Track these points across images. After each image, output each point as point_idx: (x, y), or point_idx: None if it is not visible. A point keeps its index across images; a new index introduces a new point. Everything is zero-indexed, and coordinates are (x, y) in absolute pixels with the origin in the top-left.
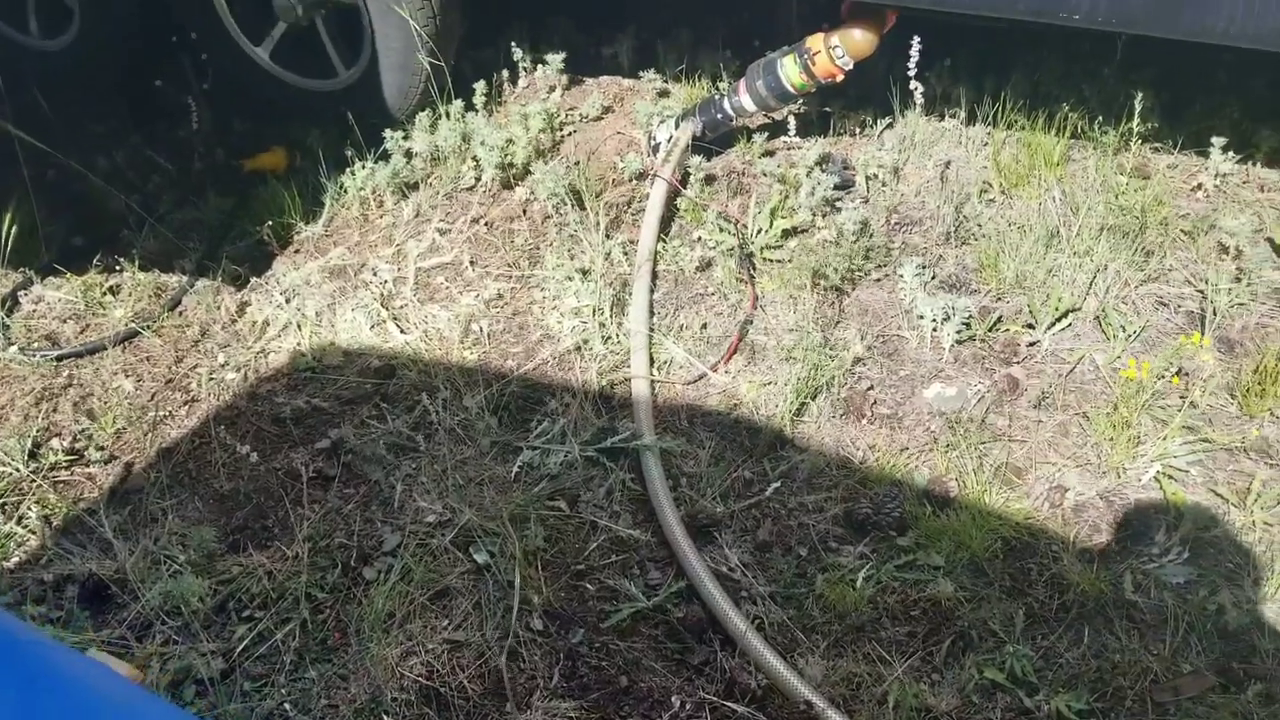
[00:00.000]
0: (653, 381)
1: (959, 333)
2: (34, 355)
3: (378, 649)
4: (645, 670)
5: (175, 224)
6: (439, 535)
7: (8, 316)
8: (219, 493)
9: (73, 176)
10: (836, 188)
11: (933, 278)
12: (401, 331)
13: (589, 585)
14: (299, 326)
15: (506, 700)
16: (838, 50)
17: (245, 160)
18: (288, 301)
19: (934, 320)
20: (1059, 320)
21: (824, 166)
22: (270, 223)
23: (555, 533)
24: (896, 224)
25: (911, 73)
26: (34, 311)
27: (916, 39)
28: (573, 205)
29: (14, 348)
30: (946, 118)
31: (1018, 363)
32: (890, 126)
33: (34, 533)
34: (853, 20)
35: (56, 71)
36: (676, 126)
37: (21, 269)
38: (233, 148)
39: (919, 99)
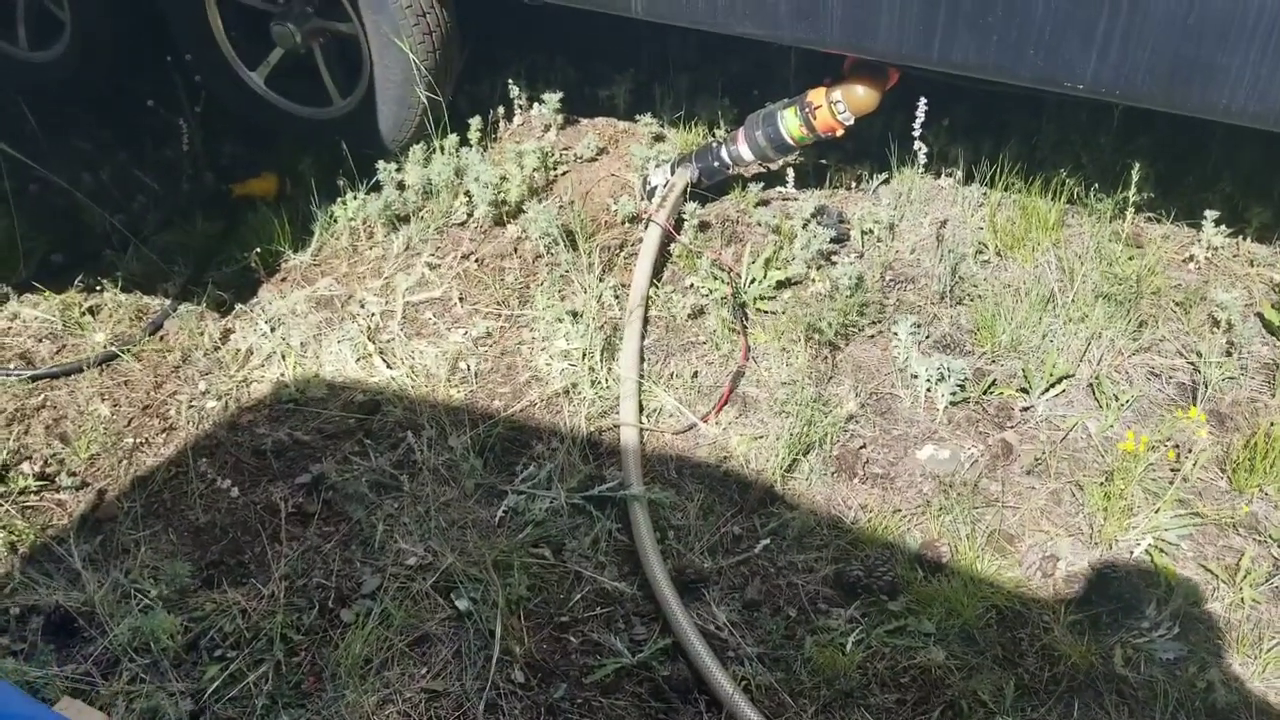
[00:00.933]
0: (642, 429)
1: (953, 394)
2: (7, 374)
3: (354, 696)
4: None
5: (160, 246)
6: (420, 579)
7: None
8: (194, 525)
9: (56, 192)
10: (832, 241)
11: (927, 337)
12: (388, 366)
13: (572, 638)
14: (283, 356)
15: None
16: (839, 105)
17: (235, 185)
18: (273, 330)
19: (928, 380)
20: (1053, 386)
21: (820, 219)
22: (258, 249)
23: (539, 581)
24: (891, 280)
25: (917, 132)
26: (9, 329)
27: (924, 99)
28: (565, 246)
29: None
30: (943, 176)
31: (1011, 427)
32: (886, 182)
33: None
34: (855, 76)
35: (44, 84)
36: (672, 172)
37: None
38: (223, 172)
39: (921, 157)
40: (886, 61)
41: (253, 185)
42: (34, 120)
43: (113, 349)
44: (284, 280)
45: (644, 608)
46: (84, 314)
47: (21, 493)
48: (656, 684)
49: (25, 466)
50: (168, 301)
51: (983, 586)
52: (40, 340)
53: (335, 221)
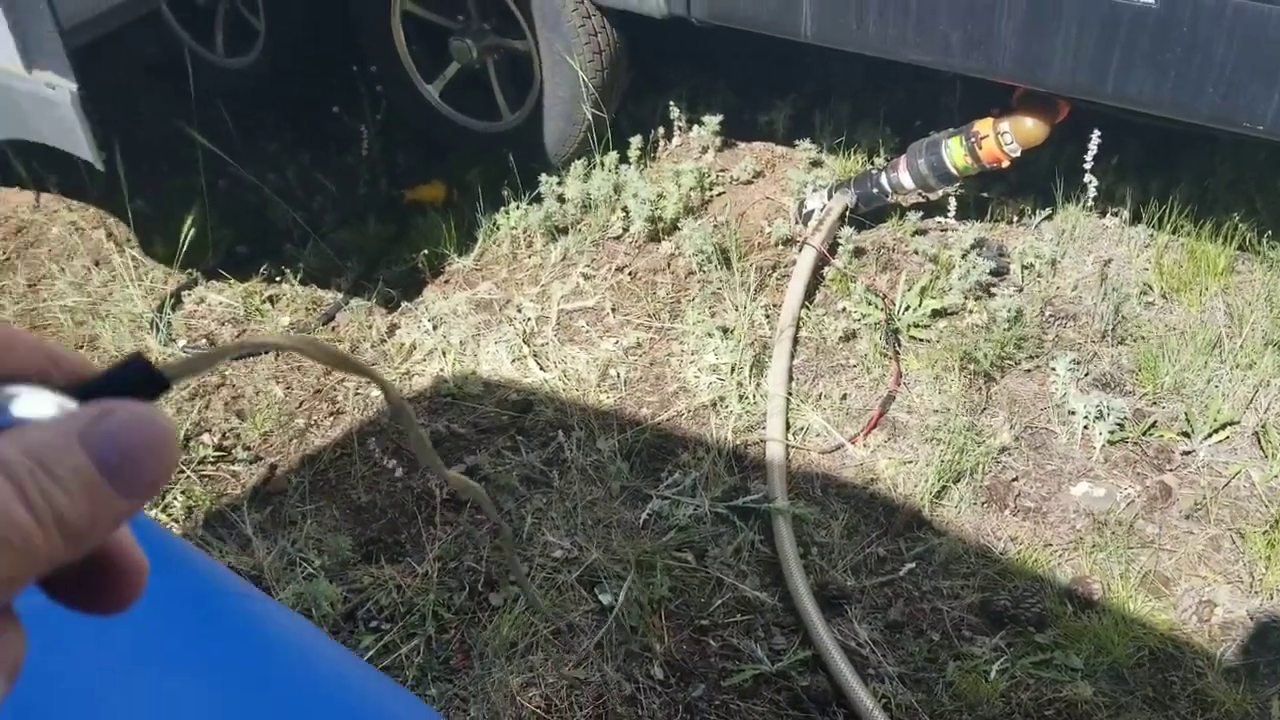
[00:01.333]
0: (788, 446)
1: (1111, 433)
2: (195, 352)
3: (500, 675)
4: None
5: (336, 244)
6: (565, 571)
7: (171, 314)
8: (356, 503)
9: (245, 188)
10: (991, 273)
11: (1086, 374)
12: (541, 369)
13: (712, 641)
14: (444, 353)
15: None
16: (1006, 137)
17: (407, 190)
18: (435, 328)
19: (1086, 417)
20: (1217, 431)
21: (980, 250)
22: (425, 252)
23: (680, 584)
24: (1051, 316)
25: (1088, 165)
26: (195, 311)
27: (1097, 132)
28: (718, 264)
29: (180, 343)
30: (1108, 215)
31: (1171, 470)
32: (1049, 218)
33: (177, 522)
34: (1025, 108)
35: (238, 88)
36: (830, 197)
37: (189, 270)
38: (396, 178)
39: (1091, 191)
40: (1058, 94)
41: (423, 192)
42: (230, 121)
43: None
44: (447, 282)
45: (784, 619)
46: (264, 302)
47: (201, 461)
48: (795, 694)
49: (205, 438)
50: (340, 295)
51: (1134, 626)
52: (223, 324)
53: (498, 229)
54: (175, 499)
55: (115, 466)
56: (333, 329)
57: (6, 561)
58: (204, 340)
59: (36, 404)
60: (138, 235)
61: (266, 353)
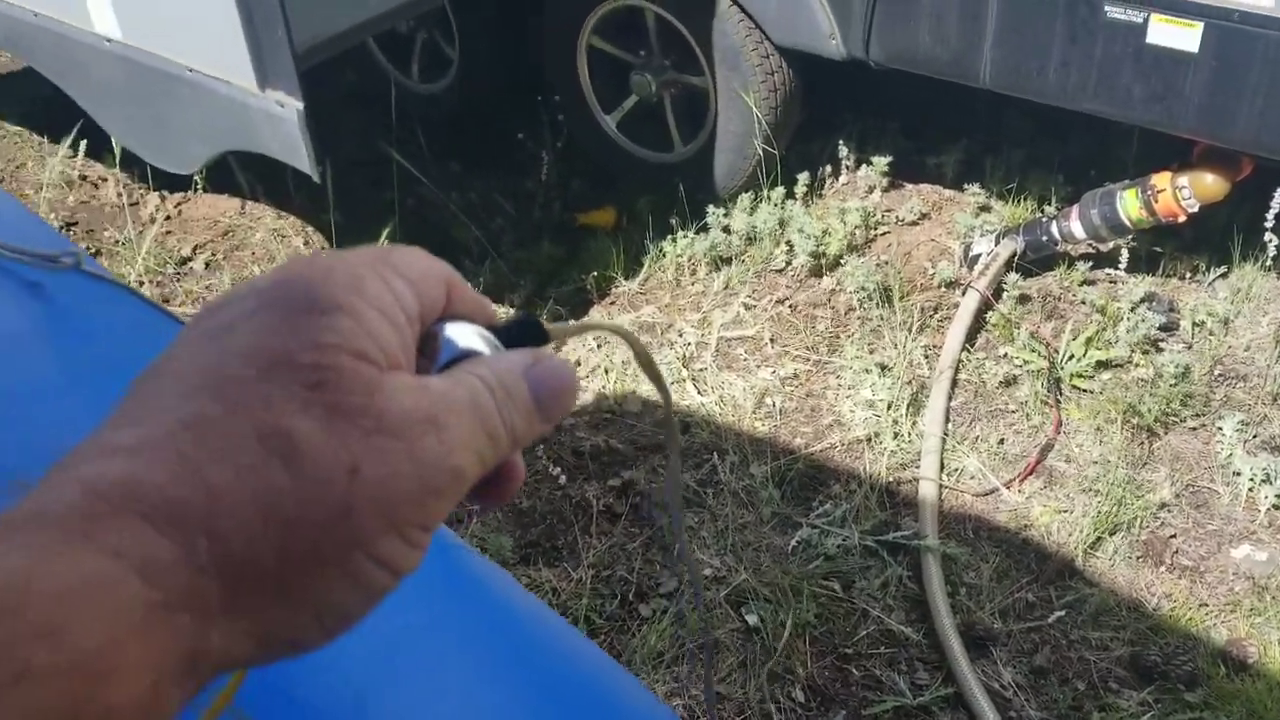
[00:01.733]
0: (942, 486)
1: (1278, 497)
2: (571, 323)
3: (646, 682)
4: None
5: (511, 262)
6: (714, 589)
7: None
8: (519, 507)
9: (431, 206)
10: (1159, 328)
11: (1254, 436)
12: (699, 392)
13: (854, 670)
14: (606, 371)
15: None
16: (1185, 191)
17: (580, 215)
18: (599, 347)
19: (1252, 479)
20: None
21: (1149, 304)
22: (594, 274)
23: (826, 612)
24: (1220, 375)
25: (1269, 225)
26: None
27: None
28: (879, 301)
29: None
30: None
31: None
32: (1224, 276)
33: None
34: (1205, 163)
35: (432, 113)
36: (997, 242)
37: None
38: (570, 202)
39: (1271, 251)
40: (1243, 151)
41: (595, 216)
42: (424, 144)
43: None
44: (612, 303)
45: (928, 655)
46: None
47: None
48: None
49: None
50: (513, 310)
51: None
52: None
53: (664, 256)
54: None
55: (544, 398)
56: None
57: (488, 455)
58: None
59: (473, 339)
60: (333, 245)
61: (626, 340)
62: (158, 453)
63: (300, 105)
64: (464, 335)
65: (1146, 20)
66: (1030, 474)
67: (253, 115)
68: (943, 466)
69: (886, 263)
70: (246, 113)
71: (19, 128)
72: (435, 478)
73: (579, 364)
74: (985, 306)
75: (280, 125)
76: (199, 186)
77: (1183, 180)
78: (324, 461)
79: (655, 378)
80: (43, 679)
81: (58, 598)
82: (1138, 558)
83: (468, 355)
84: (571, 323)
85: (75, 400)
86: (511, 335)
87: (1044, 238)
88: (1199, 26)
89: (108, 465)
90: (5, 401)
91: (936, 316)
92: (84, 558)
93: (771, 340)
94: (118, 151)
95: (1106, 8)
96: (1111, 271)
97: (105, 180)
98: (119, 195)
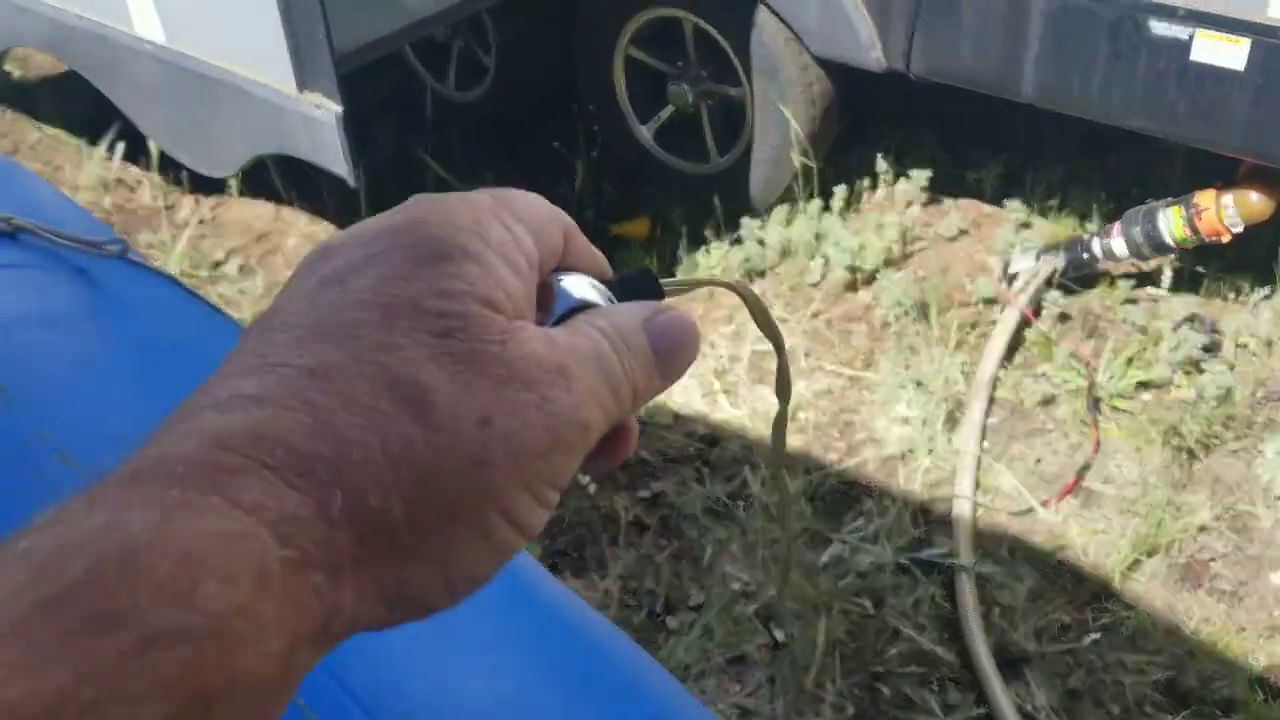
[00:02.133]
0: (977, 504)
1: None
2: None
3: None
4: None
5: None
6: (742, 603)
7: None
8: (555, 517)
9: None
10: (1202, 348)
11: None
12: (731, 405)
13: (884, 688)
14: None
15: None
16: (1229, 210)
17: (613, 225)
18: None
19: None
20: None
21: (1192, 324)
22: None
23: (857, 629)
24: (1263, 398)
25: None
26: None
27: None
28: (915, 317)
29: None
30: None
31: None
32: (1268, 297)
33: None
34: (1250, 182)
35: (464, 120)
36: (1037, 259)
37: None
38: (603, 211)
39: None
40: None
41: (628, 227)
42: (459, 150)
43: None
44: None
45: (960, 675)
46: None
47: None
48: None
49: None
50: None
51: None
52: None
53: (697, 267)
54: None
55: (664, 352)
56: None
57: (613, 408)
58: None
59: (588, 290)
60: None
61: (737, 292)
62: (284, 402)
63: (339, 109)
64: (579, 286)
65: (1191, 37)
66: (1068, 494)
67: (290, 118)
68: (978, 485)
69: (924, 278)
70: (285, 116)
71: (57, 130)
72: (565, 431)
73: None
74: (1024, 324)
75: (318, 129)
76: (233, 190)
77: (1227, 199)
78: (456, 411)
79: (771, 332)
80: (172, 645)
81: (187, 557)
82: (1176, 581)
83: (584, 307)
84: (686, 276)
85: (117, 378)
86: (626, 288)
87: (1085, 255)
88: (1245, 43)
89: (231, 416)
90: (51, 378)
91: (974, 333)
92: (214, 514)
93: (805, 354)
94: (155, 154)
95: (1151, 23)
96: (1153, 291)
97: (141, 183)
98: (154, 198)
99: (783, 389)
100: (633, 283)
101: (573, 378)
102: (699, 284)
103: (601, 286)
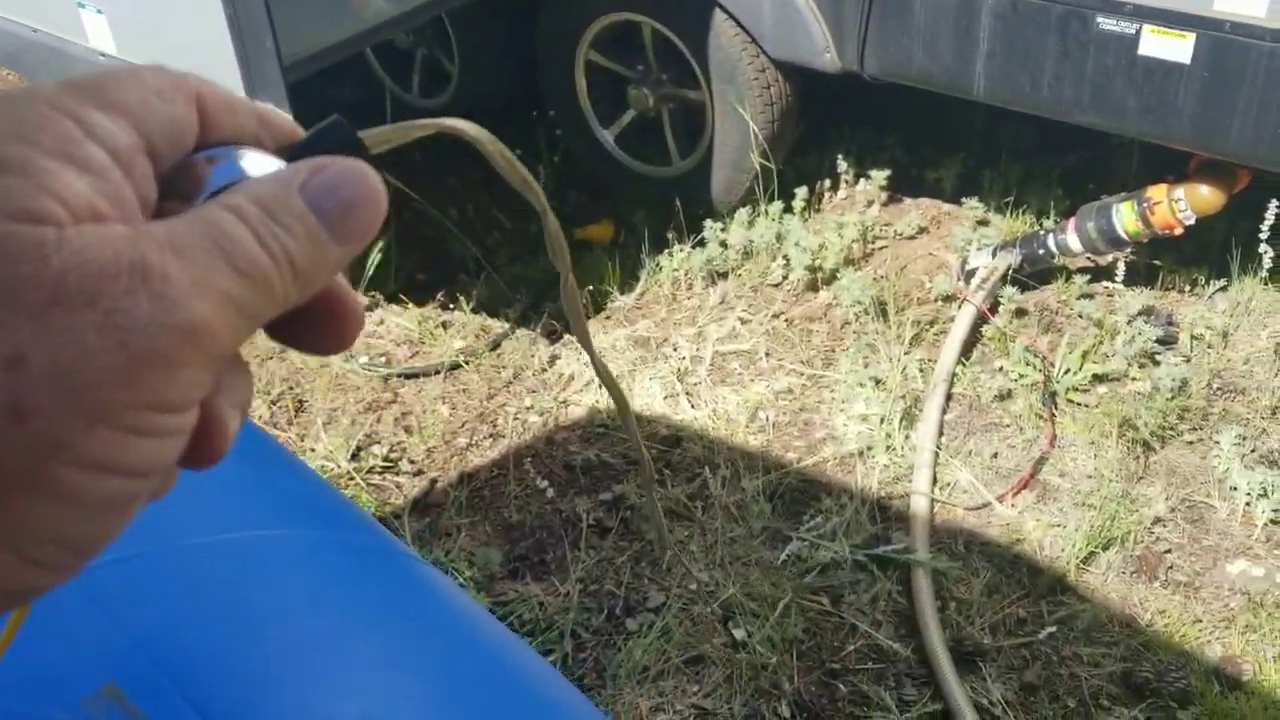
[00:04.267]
0: (933, 500)
1: (1275, 512)
2: (374, 369)
3: (630, 697)
4: None
5: (507, 276)
6: (701, 603)
7: None
8: (507, 521)
9: (426, 221)
10: (1157, 341)
11: (1252, 451)
12: (692, 406)
13: (841, 685)
14: (600, 385)
15: None
16: (1181, 204)
17: (577, 229)
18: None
19: (1249, 494)
20: None
21: (1147, 318)
22: (590, 288)
23: (814, 626)
24: (1218, 389)
25: (1264, 235)
26: (375, 331)
27: (1275, 203)
28: (875, 315)
29: (363, 359)
30: None
31: None
32: (1224, 289)
33: None
34: (1201, 175)
35: None
36: (994, 255)
37: (371, 293)
38: (567, 217)
39: (1266, 262)
40: (1238, 163)
41: (591, 231)
42: (419, 158)
43: (458, 360)
44: (608, 318)
45: (916, 671)
46: (437, 327)
47: (370, 470)
48: None
49: (375, 449)
50: (508, 325)
51: None
52: (399, 345)
53: (660, 270)
54: None
55: (331, 215)
56: (498, 355)
57: (250, 297)
58: (382, 358)
59: (258, 164)
60: None
61: (452, 138)
62: None
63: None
64: (240, 161)
65: (1139, 32)
66: (1023, 488)
67: None
68: (935, 481)
69: (884, 277)
70: None
71: None
72: (153, 341)
73: (572, 378)
74: (981, 320)
75: None
76: None
77: (1179, 193)
78: None
79: (524, 186)
80: None
81: None
82: (1131, 573)
83: (234, 183)
84: (403, 123)
85: None
86: (314, 148)
87: (1041, 251)
88: (1191, 38)
89: None
90: None
91: (933, 330)
92: None
93: (766, 354)
94: None
95: (1099, 20)
96: (1109, 285)
97: None
98: None
99: (559, 254)
100: (317, 142)
101: (159, 275)
102: (416, 129)
103: (278, 159)
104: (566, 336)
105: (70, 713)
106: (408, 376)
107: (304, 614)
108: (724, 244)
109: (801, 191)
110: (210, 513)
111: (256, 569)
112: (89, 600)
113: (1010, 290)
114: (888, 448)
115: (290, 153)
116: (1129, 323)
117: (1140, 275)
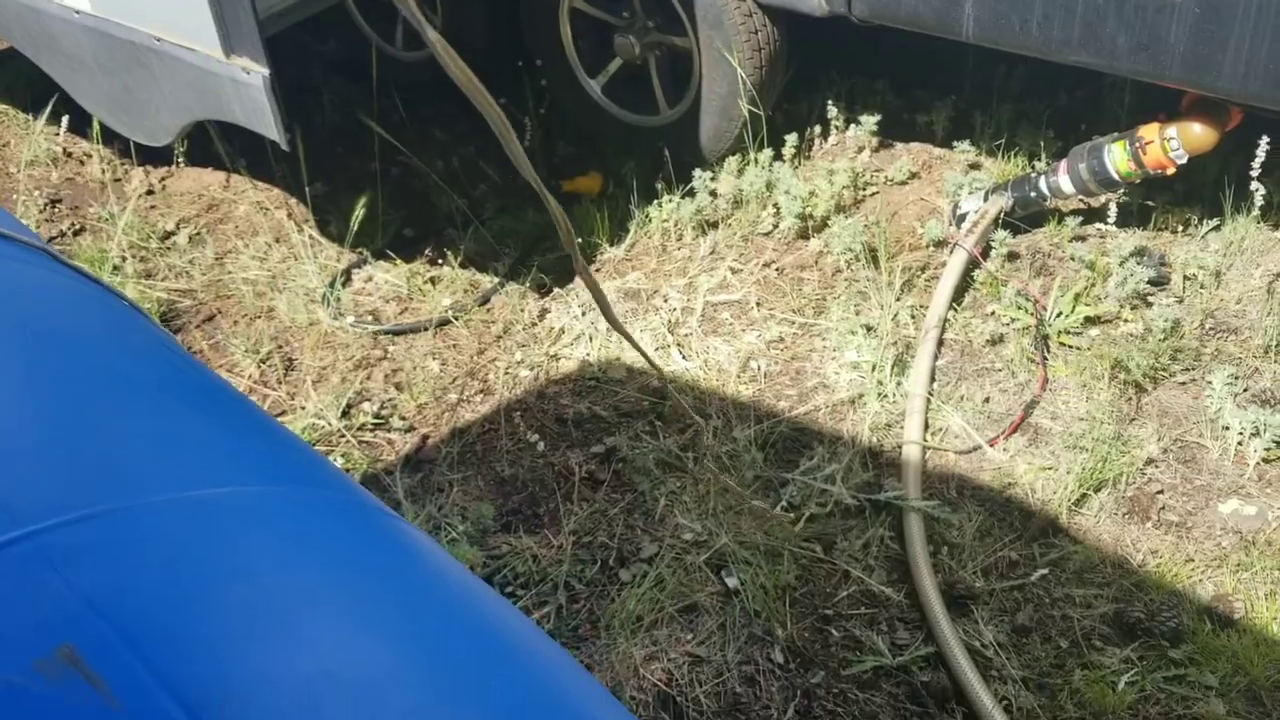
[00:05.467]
0: (925, 446)
1: (1268, 450)
2: (362, 327)
3: (624, 647)
4: None
5: (495, 230)
6: (694, 553)
7: (340, 289)
8: (500, 476)
9: (413, 175)
10: (1149, 282)
11: (1245, 390)
12: (683, 358)
13: (834, 630)
14: (590, 338)
15: None
16: (1173, 142)
17: (565, 181)
18: (583, 314)
19: (1241, 433)
20: None
21: (1140, 259)
22: (579, 240)
23: (807, 573)
24: (1211, 329)
25: (1255, 173)
26: (363, 289)
27: (1265, 138)
28: (866, 262)
29: (350, 317)
30: None
31: None
32: (1217, 229)
33: None
34: (1193, 114)
35: (414, 81)
36: (985, 199)
37: (359, 250)
38: (555, 168)
39: (1258, 200)
40: (1229, 100)
41: (580, 183)
42: (404, 112)
43: (447, 315)
44: (598, 270)
45: (909, 615)
46: (426, 283)
47: (360, 428)
48: (914, 688)
49: (365, 406)
50: (497, 279)
51: (1276, 649)
52: (388, 301)
53: (650, 221)
54: (336, 460)
55: None
56: (488, 310)
57: None
58: (369, 316)
59: None
60: (315, 216)
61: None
62: None
63: (266, 71)
64: None
65: None
66: (1014, 431)
67: (220, 83)
68: (927, 426)
69: (875, 223)
70: (214, 81)
71: (3, 106)
72: None
73: (562, 332)
74: (973, 265)
75: (247, 92)
76: (180, 161)
77: (1170, 131)
78: None
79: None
80: None
81: None
82: (1123, 514)
83: None
84: None
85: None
86: None
87: (1033, 194)
88: None
89: None
90: None
91: (924, 276)
92: None
93: (757, 304)
94: (97, 127)
95: None
96: (1102, 227)
97: (90, 157)
98: (103, 171)
99: (567, 240)
100: None
101: None
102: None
103: None
104: (556, 290)
105: (23, 675)
106: (397, 333)
107: (266, 572)
108: (713, 193)
109: (791, 138)
110: (171, 470)
111: (218, 527)
112: (41, 561)
113: (1002, 234)
114: (880, 395)
115: None
116: (1121, 264)
117: (1133, 216)
